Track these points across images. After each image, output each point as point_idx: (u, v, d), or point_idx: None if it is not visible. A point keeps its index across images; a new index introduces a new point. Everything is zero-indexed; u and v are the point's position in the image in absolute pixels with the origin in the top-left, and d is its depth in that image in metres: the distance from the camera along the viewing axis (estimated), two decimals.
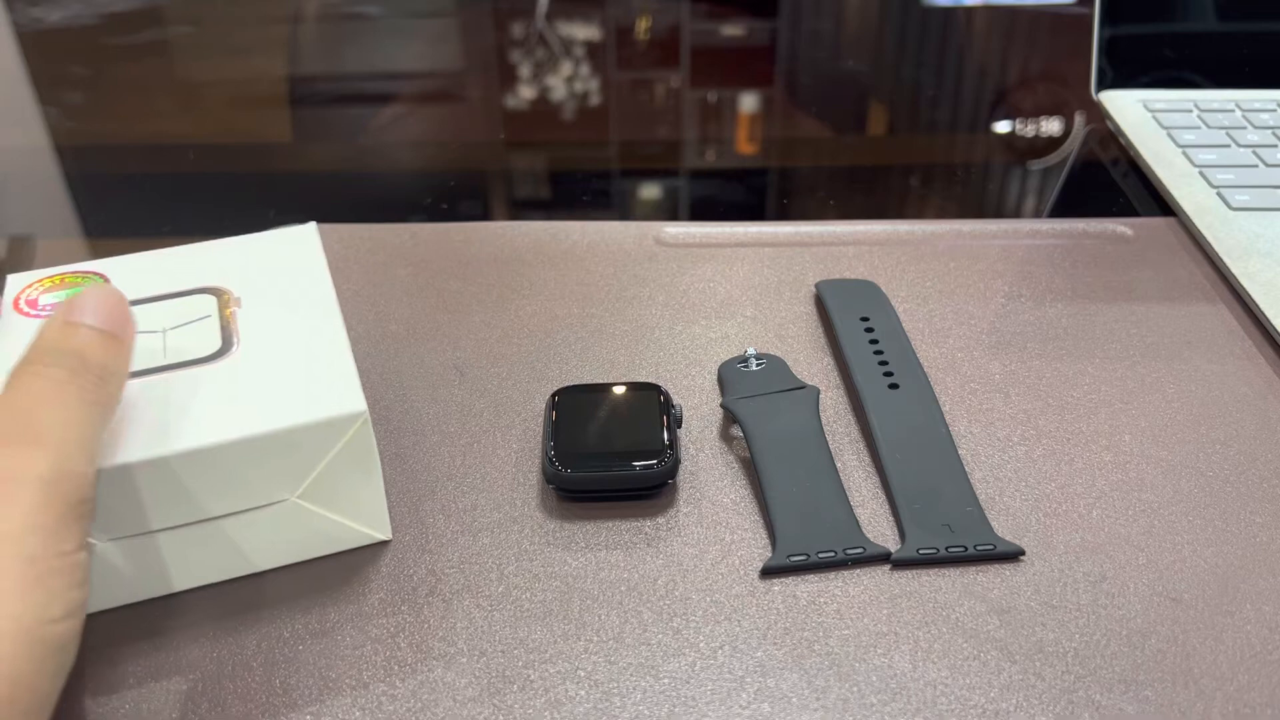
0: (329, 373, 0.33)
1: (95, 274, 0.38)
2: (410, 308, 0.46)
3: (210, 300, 0.36)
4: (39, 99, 0.70)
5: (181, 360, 0.34)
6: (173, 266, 0.38)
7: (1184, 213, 0.52)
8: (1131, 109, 0.60)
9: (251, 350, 0.34)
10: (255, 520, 0.33)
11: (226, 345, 0.34)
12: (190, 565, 0.33)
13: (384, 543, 0.35)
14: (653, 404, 0.38)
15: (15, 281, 0.38)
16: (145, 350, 0.34)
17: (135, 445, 0.30)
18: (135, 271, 0.38)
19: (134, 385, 0.33)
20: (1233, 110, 0.59)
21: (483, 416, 0.40)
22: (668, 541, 0.35)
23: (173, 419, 0.31)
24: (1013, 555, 0.34)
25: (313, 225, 0.40)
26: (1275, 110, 0.59)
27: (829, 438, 0.39)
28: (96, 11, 0.81)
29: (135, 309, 0.36)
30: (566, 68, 0.74)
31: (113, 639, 0.32)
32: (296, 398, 0.32)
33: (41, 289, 0.37)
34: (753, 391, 0.40)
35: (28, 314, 0.36)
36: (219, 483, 0.31)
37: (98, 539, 0.31)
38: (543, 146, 0.65)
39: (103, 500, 0.30)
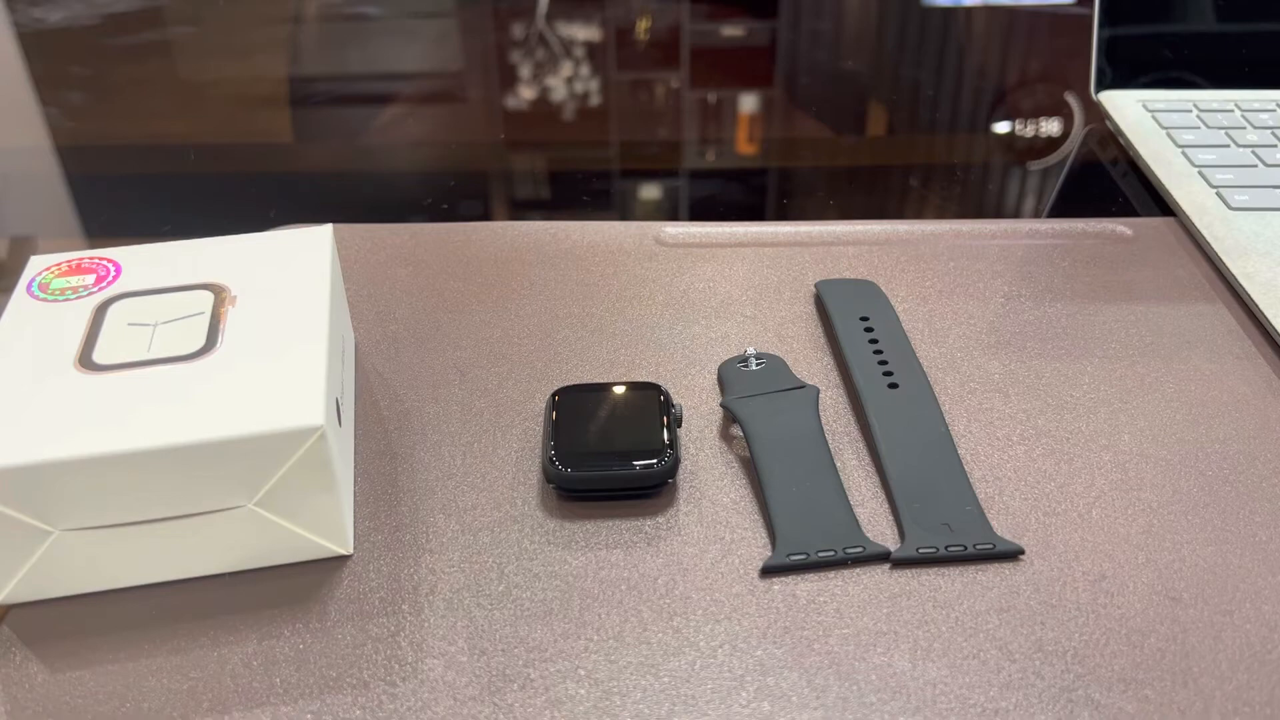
0: (296, 383, 0.32)
1: (109, 261, 0.38)
2: (410, 308, 0.46)
3: (208, 297, 0.36)
4: (39, 99, 0.70)
5: (164, 356, 0.33)
6: (183, 260, 0.38)
7: (1183, 212, 0.52)
8: (1131, 109, 0.60)
9: (230, 352, 0.34)
10: (213, 524, 0.32)
11: (210, 344, 0.34)
12: (145, 562, 0.33)
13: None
14: (653, 403, 0.38)
15: (34, 264, 0.38)
16: (132, 343, 0.34)
17: (96, 439, 0.30)
18: (146, 261, 0.38)
19: (113, 379, 0.33)
20: (1232, 110, 0.59)
21: (483, 416, 0.41)
22: (668, 541, 0.35)
23: (138, 416, 0.31)
24: (1012, 554, 0.34)
25: (328, 228, 0.40)
26: (1275, 110, 0.59)
27: (829, 437, 0.39)
28: (97, 12, 0.81)
29: (133, 301, 0.36)
30: (566, 68, 0.74)
31: (115, 635, 0.32)
32: (257, 406, 0.32)
33: (54, 274, 0.37)
34: (752, 391, 0.40)
35: (38, 298, 0.36)
36: (174, 484, 0.31)
37: (54, 529, 0.31)
38: (543, 147, 0.65)
39: (60, 491, 0.30)
